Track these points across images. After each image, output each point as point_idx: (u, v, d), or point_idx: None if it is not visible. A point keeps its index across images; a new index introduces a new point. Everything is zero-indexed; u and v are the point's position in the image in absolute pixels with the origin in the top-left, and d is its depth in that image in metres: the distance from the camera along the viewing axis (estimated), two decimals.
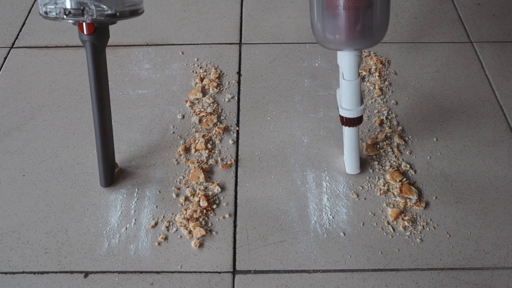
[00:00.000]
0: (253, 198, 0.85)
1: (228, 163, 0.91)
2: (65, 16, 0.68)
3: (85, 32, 0.73)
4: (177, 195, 0.86)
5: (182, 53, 1.12)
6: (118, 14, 0.71)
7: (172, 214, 0.83)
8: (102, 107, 0.79)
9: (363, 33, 0.71)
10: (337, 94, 0.84)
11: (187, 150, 0.93)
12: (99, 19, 0.70)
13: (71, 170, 0.90)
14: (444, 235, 0.80)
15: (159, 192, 0.86)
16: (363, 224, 0.82)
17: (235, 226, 0.82)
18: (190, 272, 0.76)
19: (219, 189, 0.87)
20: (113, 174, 0.87)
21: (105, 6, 0.69)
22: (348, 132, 0.83)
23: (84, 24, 0.72)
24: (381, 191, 0.86)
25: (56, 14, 0.68)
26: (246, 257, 0.78)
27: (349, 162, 0.87)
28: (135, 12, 0.74)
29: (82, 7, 0.67)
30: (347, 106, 0.79)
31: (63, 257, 0.78)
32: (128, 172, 0.89)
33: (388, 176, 0.88)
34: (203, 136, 0.95)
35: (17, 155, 0.92)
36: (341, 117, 0.81)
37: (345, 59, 0.76)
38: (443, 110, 1.00)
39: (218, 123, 0.97)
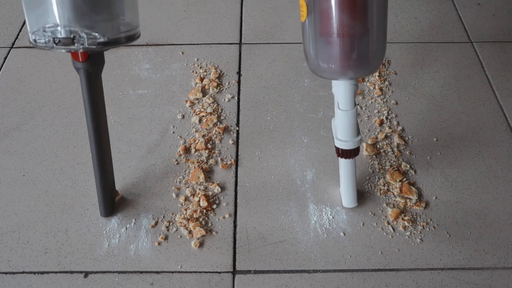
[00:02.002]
0: (253, 198, 0.85)
1: (228, 163, 0.91)
2: (54, 45, 0.63)
3: (78, 60, 0.68)
4: (177, 195, 0.86)
5: (182, 53, 1.12)
6: (112, 41, 0.65)
7: (172, 214, 0.83)
8: (99, 136, 0.75)
9: (358, 62, 0.67)
10: (332, 124, 0.78)
11: (187, 150, 0.93)
12: (91, 48, 0.64)
13: (71, 170, 0.90)
14: (444, 235, 0.80)
15: (159, 192, 0.86)
16: (363, 224, 0.82)
17: (235, 226, 0.82)
18: (190, 272, 0.76)
19: (219, 189, 0.87)
20: (113, 204, 0.83)
21: (97, 34, 0.64)
22: (344, 164, 0.78)
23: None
24: (381, 191, 0.86)
25: (45, 42, 0.63)
26: (246, 257, 0.78)
27: (346, 195, 0.82)
28: (131, 38, 0.68)
29: (72, 36, 0.62)
30: (343, 137, 0.74)
31: (63, 257, 0.78)
32: (128, 172, 0.89)
33: (388, 176, 0.88)
34: (203, 136, 0.95)
35: (17, 155, 0.92)
36: (337, 149, 0.76)
37: (340, 89, 0.71)
38: (443, 110, 1.00)
39: (218, 123, 0.97)
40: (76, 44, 0.63)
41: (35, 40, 0.65)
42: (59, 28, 0.63)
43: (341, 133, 0.74)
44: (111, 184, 0.82)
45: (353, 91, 0.71)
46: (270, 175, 0.89)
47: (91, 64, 0.69)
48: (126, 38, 0.67)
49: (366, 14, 0.64)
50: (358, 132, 0.74)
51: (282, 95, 1.03)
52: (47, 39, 0.63)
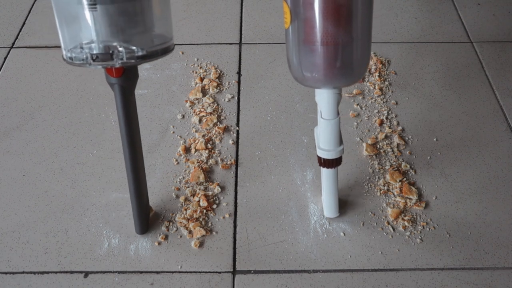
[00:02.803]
0: (253, 198, 0.85)
1: (228, 163, 0.91)
2: (92, 62, 0.61)
3: (113, 75, 0.66)
4: (177, 195, 0.86)
5: (182, 53, 1.12)
6: (149, 54, 0.64)
7: (172, 214, 0.83)
8: (134, 151, 0.73)
9: (342, 71, 0.65)
10: (314, 133, 0.77)
11: (187, 150, 0.93)
12: (129, 63, 0.62)
13: (71, 170, 0.90)
14: (444, 235, 0.80)
15: (159, 192, 0.86)
16: (363, 224, 0.82)
17: (235, 226, 0.82)
18: (190, 272, 0.76)
19: (219, 189, 0.87)
20: (148, 220, 0.81)
21: (134, 48, 0.62)
22: (326, 174, 0.77)
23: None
24: (381, 191, 0.86)
25: (83, 60, 0.61)
26: (246, 257, 0.78)
27: (327, 205, 0.81)
28: (166, 50, 0.66)
29: (111, 51, 0.61)
30: (325, 146, 0.73)
31: (63, 257, 0.78)
32: None
33: (388, 176, 0.88)
34: (203, 136, 0.95)
35: (17, 155, 0.92)
36: (319, 158, 0.74)
37: (324, 97, 0.69)
38: (443, 110, 1.00)
39: (218, 123, 0.97)
40: (114, 59, 0.61)
41: (71, 58, 0.63)
42: (95, 44, 0.61)
43: (323, 142, 0.73)
44: (145, 200, 0.80)
45: (336, 100, 0.69)
46: (270, 175, 0.89)
47: (126, 79, 0.67)
48: (162, 51, 0.66)
49: (350, 22, 0.63)
50: (340, 142, 0.73)
51: (282, 95, 1.03)
52: (84, 56, 0.61)
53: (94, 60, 0.61)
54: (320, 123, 0.72)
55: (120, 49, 0.61)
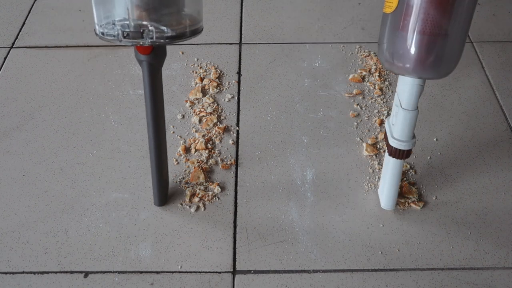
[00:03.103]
0: (253, 198, 0.85)
1: (228, 163, 0.91)
2: (123, 39, 0.64)
3: (142, 52, 0.69)
4: None
5: (182, 53, 1.12)
6: (178, 35, 0.66)
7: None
8: (157, 127, 0.76)
9: (434, 63, 0.65)
10: (386, 123, 0.78)
11: (187, 150, 0.93)
12: (158, 42, 0.65)
13: (71, 170, 0.90)
14: (444, 235, 0.80)
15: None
16: (363, 224, 0.82)
17: (235, 226, 0.82)
18: (190, 272, 0.76)
19: (219, 189, 0.87)
20: (167, 193, 0.84)
21: (164, 28, 0.64)
22: (393, 164, 0.77)
23: None
24: None
25: (114, 36, 0.64)
26: (246, 257, 0.78)
27: (387, 196, 0.81)
28: (195, 32, 0.68)
29: (141, 30, 0.63)
30: (399, 136, 0.73)
31: (63, 257, 0.78)
32: (127, 173, 0.89)
33: None
34: (203, 136, 0.95)
35: (17, 155, 0.92)
36: (390, 147, 0.75)
37: (407, 88, 0.69)
38: (443, 110, 1.00)
39: (218, 123, 0.97)
40: (144, 38, 0.64)
41: (102, 33, 0.65)
42: (128, 22, 0.64)
43: (398, 132, 0.73)
44: (166, 175, 0.83)
45: (419, 92, 0.70)
46: (270, 175, 0.89)
47: (154, 57, 0.70)
48: (191, 32, 0.68)
49: (453, 14, 0.63)
50: (414, 134, 0.74)
51: (282, 95, 1.03)
52: (116, 32, 0.64)
53: (124, 37, 0.64)
54: (399, 113, 0.72)
55: (151, 28, 0.63)
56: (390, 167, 0.78)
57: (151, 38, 0.64)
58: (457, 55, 0.66)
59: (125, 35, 0.63)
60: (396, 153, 0.75)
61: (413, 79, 0.69)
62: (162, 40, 0.65)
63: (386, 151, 0.77)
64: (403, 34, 0.64)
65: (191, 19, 0.68)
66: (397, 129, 0.73)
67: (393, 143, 0.74)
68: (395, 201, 0.82)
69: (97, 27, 0.66)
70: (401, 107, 0.71)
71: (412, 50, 0.64)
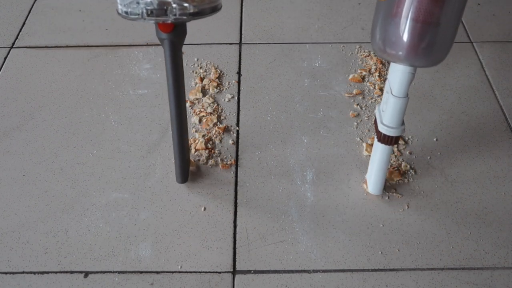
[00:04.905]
0: (253, 198, 0.85)
1: (228, 163, 0.91)
2: (147, 17, 0.66)
3: (164, 31, 0.71)
4: None
5: (182, 53, 1.12)
6: (200, 12, 0.68)
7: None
8: (179, 104, 0.78)
9: (426, 51, 0.65)
10: (376, 109, 0.79)
11: None
12: (181, 19, 0.67)
13: (71, 170, 0.90)
14: (444, 235, 0.80)
15: (159, 192, 0.86)
16: (363, 224, 0.82)
17: (235, 226, 0.82)
18: (190, 272, 0.76)
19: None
20: (188, 171, 0.86)
21: (187, 5, 0.67)
22: (382, 150, 0.79)
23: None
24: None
25: (139, 14, 0.66)
26: (246, 257, 0.78)
27: (375, 181, 0.83)
28: (215, 9, 0.71)
29: (165, 7, 0.66)
30: (388, 123, 0.75)
31: (63, 257, 0.78)
32: (128, 172, 0.89)
33: (388, 176, 0.88)
34: (203, 136, 0.95)
35: (17, 155, 0.92)
36: (379, 133, 0.77)
37: (398, 75, 0.70)
38: (443, 110, 1.00)
39: (218, 123, 0.97)
40: (168, 15, 0.66)
41: (126, 12, 0.67)
42: (152, 0, 0.66)
43: (388, 119, 0.75)
44: (187, 153, 0.84)
45: (410, 80, 0.71)
46: (270, 175, 0.89)
47: (176, 35, 0.72)
48: (211, 9, 0.70)
49: (446, 3, 0.63)
50: (403, 121, 0.75)
51: (282, 95, 1.03)
52: (140, 11, 0.66)
53: (148, 15, 0.66)
54: (389, 100, 0.73)
55: (174, 5, 0.66)
56: (379, 153, 0.79)
57: (174, 15, 0.66)
58: (448, 43, 0.67)
59: (149, 13, 0.66)
60: (385, 139, 0.76)
61: (404, 67, 0.70)
62: (184, 17, 0.67)
63: (375, 137, 0.78)
64: (396, 22, 0.65)
65: None
66: (387, 115, 0.75)
67: (382, 129, 0.76)
68: (382, 186, 0.84)
69: (120, 6, 0.68)
70: (392, 94, 0.72)
71: (405, 37, 0.64)
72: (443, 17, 0.63)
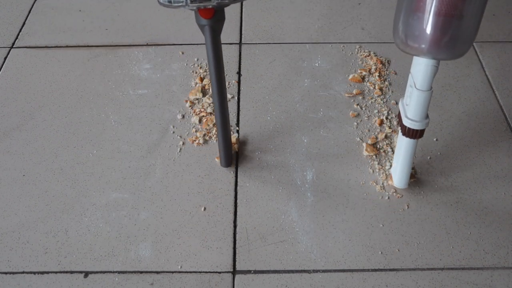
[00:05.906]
0: (253, 198, 0.85)
1: None
2: (189, 3, 0.68)
3: (204, 17, 0.72)
4: None
5: (182, 53, 1.12)
6: None
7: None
8: (221, 88, 0.79)
9: (449, 44, 0.65)
10: (400, 103, 0.79)
11: None
12: (223, 3, 0.69)
13: (71, 170, 0.90)
14: (444, 235, 0.80)
15: (159, 192, 0.86)
16: (363, 224, 0.82)
17: (235, 226, 0.82)
18: (190, 272, 0.76)
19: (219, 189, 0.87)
20: (232, 155, 0.88)
21: None
22: (407, 144, 0.79)
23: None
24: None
25: (182, 1, 0.68)
26: (246, 257, 0.78)
27: (400, 175, 0.83)
28: None
29: None
30: (413, 116, 0.75)
31: (63, 257, 0.78)
32: (127, 173, 0.89)
33: (388, 176, 0.88)
34: (203, 136, 0.95)
35: (17, 155, 0.92)
36: (404, 127, 0.77)
37: (421, 68, 0.70)
38: (443, 110, 1.00)
39: None
40: (211, 0, 0.68)
41: (170, 1, 0.68)
42: None
43: (412, 112, 0.75)
44: (230, 135, 0.86)
45: (433, 73, 0.71)
46: (270, 175, 0.89)
47: (216, 21, 0.73)
48: None
49: None
50: (427, 114, 0.75)
51: (282, 95, 1.03)
52: None
53: (192, 2, 0.67)
54: (413, 93, 0.73)
55: None
56: (404, 146, 0.80)
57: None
58: (472, 36, 0.66)
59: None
60: (409, 133, 0.77)
61: (427, 60, 0.69)
62: (226, 1, 0.68)
63: (400, 131, 0.79)
64: (419, 15, 0.65)
65: None
66: (411, 109, 0.75)
67: (407, 123, 0.76)
68: (408, 179, 0.84)
69: None
70: (416, 87, 0.72)
71: (428, 31, 0.64)
72: (466, 9, 0.63)
